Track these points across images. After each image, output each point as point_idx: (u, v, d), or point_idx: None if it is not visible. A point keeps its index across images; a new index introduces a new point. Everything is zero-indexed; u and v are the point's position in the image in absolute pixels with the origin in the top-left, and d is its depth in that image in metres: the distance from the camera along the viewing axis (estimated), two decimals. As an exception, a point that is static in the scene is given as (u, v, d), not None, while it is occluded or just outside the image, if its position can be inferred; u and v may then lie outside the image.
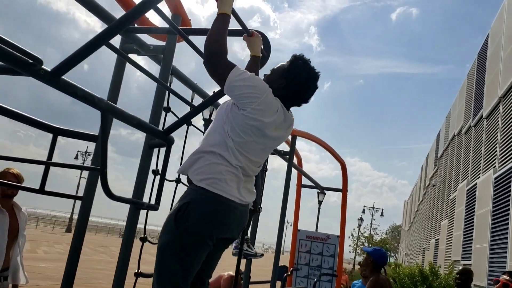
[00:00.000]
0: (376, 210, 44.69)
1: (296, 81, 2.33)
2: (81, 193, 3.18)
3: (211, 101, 2.84)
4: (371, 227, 45.82)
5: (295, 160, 8.53)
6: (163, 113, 3.61)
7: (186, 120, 2.83)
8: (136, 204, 2.92)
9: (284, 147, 6.62)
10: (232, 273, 5.75)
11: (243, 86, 2.14)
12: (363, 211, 43.54)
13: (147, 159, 3.17)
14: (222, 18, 2.23)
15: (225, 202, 2.15)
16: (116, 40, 3.43)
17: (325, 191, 10.64)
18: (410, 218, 35.51)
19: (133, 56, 3.53)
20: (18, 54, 1.77)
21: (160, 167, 3.12)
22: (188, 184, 2.31)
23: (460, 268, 6.67)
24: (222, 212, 2.16)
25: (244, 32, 2.66)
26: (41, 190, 2.70)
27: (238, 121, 2.19)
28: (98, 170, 2.50)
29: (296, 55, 2.40)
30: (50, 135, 2.82)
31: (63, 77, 1.98)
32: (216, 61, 2.16)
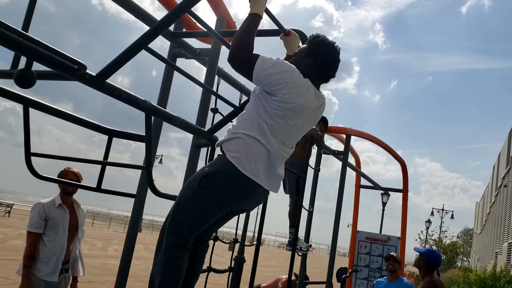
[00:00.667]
0: (446, 212, 42.74)
1: (324, 55, 2.40)
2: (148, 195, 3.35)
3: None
4: (440, 229, 43.93)
5: (353, 161, 8.42)
6: (212, 115, 3.72)
7: (228, 120, 2.92)
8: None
9: (341, 147, 6.46)
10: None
11: (270, 74, 2.21)
12: (432, 213, 41.79)
13: (195, 158, 3.29)
14: (252, 18, 2.28)
15: (249, 184, 2.25)
16: (167, 45, 3.57)
17: (389, 192, 10.39)
18: (482, 220, 33.83)
19: (181, 60, 3.66)
20: (64, 60, 1.90)
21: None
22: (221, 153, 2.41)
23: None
24: (244, 193, 2.29)
25: (281, 32, 2.70)
26: (98, 189, 2.88)
27: (272, 105, 2.26)
28: (144, 169, 2.64)
29: (313, 34, 2.49)
30: (121, 140, 3.01)
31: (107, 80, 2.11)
32: (240, 58, 2.23)
